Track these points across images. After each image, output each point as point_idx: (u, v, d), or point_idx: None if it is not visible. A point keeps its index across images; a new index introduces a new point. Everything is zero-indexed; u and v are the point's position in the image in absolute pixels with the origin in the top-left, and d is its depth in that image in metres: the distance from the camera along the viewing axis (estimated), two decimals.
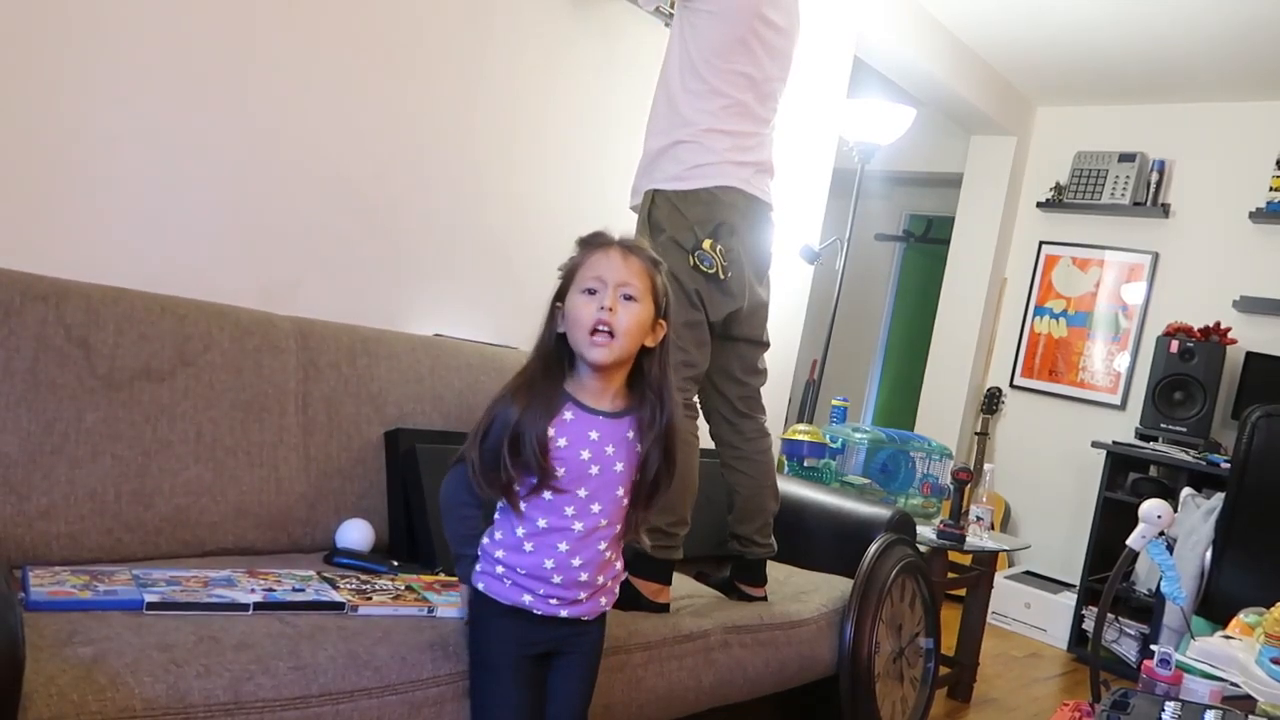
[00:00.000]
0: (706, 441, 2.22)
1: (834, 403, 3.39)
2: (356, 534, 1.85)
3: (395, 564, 1.78)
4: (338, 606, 1.48)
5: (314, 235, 2.17)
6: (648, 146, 2.13)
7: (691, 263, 2.00)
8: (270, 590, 1.49)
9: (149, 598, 1.35)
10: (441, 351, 2.20)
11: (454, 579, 1.75)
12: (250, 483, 1.79)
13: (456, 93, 2.39)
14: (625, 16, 2.70)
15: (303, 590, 1.52)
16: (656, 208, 2.05)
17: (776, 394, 3.34)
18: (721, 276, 2.03)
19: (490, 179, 2.50)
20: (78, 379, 1.59)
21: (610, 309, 1.34)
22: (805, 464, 2.94)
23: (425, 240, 2.39)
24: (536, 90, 2.57)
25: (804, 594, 2.28)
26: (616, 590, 1.49)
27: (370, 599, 1.53)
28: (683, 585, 2.12)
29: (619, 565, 1.48)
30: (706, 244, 2.01)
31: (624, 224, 2.28)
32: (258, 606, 1.42)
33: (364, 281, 2.28)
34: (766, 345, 2.25)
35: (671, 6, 2.55)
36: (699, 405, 2.18)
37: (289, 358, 1.92)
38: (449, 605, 1.57)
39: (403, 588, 1.63)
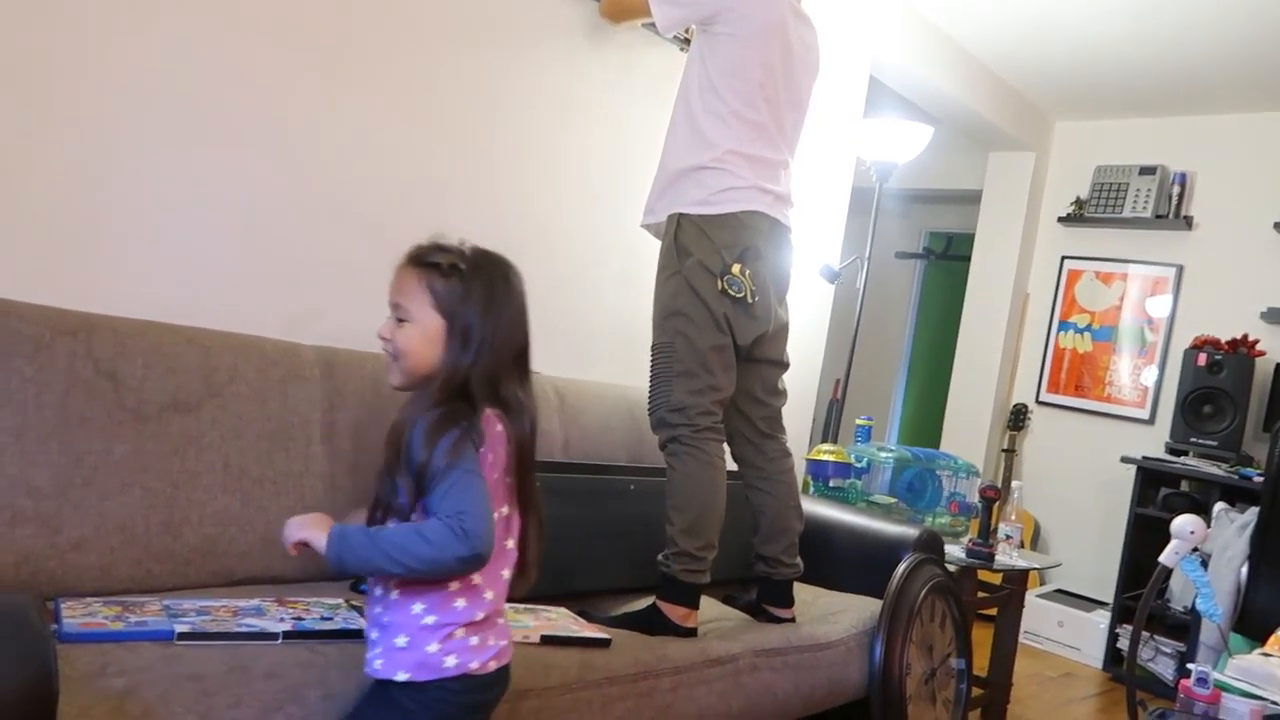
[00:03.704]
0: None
1: (858, 422, 3.37)
2: None
3: None
4: (361, 634, 1.48)
5: (336, 265, 2.19)
6: (667, 165, 2.13)
7: (720, 287, 2.01)
8: (299, 619, 1.49)
9: (179, 628, 1.36)
10: None
11: None
12: (277, 512, 1.79)
13: (473, 121, 2.42)
14: (640, 41, 2.72)
15: (331, 618, 1.52)
16: (683, 231, 2.05)
17: (800, 414, 3.32)
18: (750, 300, 2.04)
19: (508, 204, 2.51)
20: (107, 412, 1.61)
21: (387, 337, 1.33)
22: (831, 484, 2.92)
23: None
24: (553, 115, 2.59)
25: (832, 615, 2.26)
26: (396, 649, 1.23)
27: None
28: (710, 608, 2.11)
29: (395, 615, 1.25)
30: (735, 268, 2.01)
31: (638, 245, 2.30)
32: (287, 635, 1.42)
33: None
34: (786, 366, 2.25)
35: (688, 33, 2.57)
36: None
37: (314, 387, 1.93)
38: None
39: None
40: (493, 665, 1.28)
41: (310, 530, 1.23)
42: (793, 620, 2.16)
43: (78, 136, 1.79)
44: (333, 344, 2.05)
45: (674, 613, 1.94)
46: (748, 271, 2.03)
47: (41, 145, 1.75)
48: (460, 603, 1.24)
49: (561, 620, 1.77)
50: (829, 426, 3.70)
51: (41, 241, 1.77)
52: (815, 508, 2.62)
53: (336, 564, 1.20)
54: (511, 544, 1.32)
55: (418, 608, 1.22)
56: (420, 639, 1.22)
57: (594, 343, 2.74)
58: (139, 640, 1.32)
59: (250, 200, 2.04)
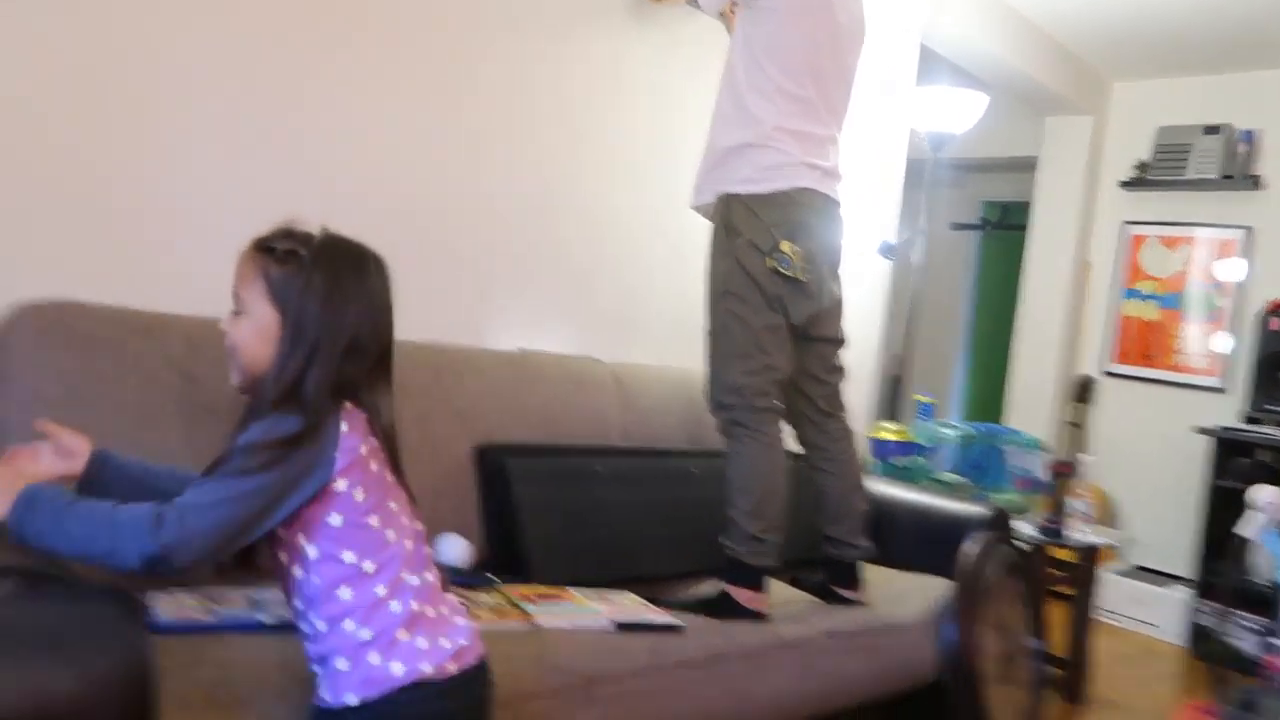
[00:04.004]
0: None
1: (919, 399, 3.33)
2: (454, 550, 1.87)
3: (492, 578, 1.80)
4: None
5: (394, 261, 2.19)
6: (714, 143, 2.11)
7: (771, 265, 1.99)
8: None
9: (264, 619, 1.39)
10: (526, 366, 2.22)
11: (554, 591, 1.77)
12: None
13: (518, 109, 2.42)
14: (683, 19, 2.70)
15: None
16: (732, 211, 2.04)
17: (859, 392, 3.29)
18: (801, 279, 2.01)
19: (557, 190, 2.52)
20: (184, 410, 1.64)
21: (225, 330, 1.19)
22: (894, 463, 2.89)
23: (502, 257, 2.41)
24: (598, 98, 2.58)
25: (902, 596, 2.23)
26: (339, 674, 1.13)
27: (474, 615, 1.55)
28: (779, 591, 2.10)
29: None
30: (785, 246, 1.99)
31: (689, 225, 2.29)
32: None
33: (447, 302, 2.31)
34: (843, 342, 2.22)
35: (732, 9, 2.54)
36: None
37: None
38: (550, 617, 1.58)
39: (504, 602, 1.65)
40: (451, 668, 1.15)
41: None
42: (862, 602, 2.14)
43: (156, 143, 1.83)
44: (396, 337, 2.06)
45: (742, 596, 1.93)
46: (798, 249, 2.01)
47: (121, 151, 1.79)
48: (394, 605, 1.13)
49: (632, 606, 1.78)
50: (889, 404, 3.66)
51: (115, 244, 1.81)
52: (879, 487, 2.59)
53: (15, 530, 1.04)
54: (422, 530, 1.22)
55: (349, 625, 1.11)
56: (360, 655, 1.11)
57: (648, 326, 2.74)
58: (226, 631, 1.36)
59: (312, 201, 2.06)
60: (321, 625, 1.12)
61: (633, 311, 2.70)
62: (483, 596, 1.67)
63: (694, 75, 2.73)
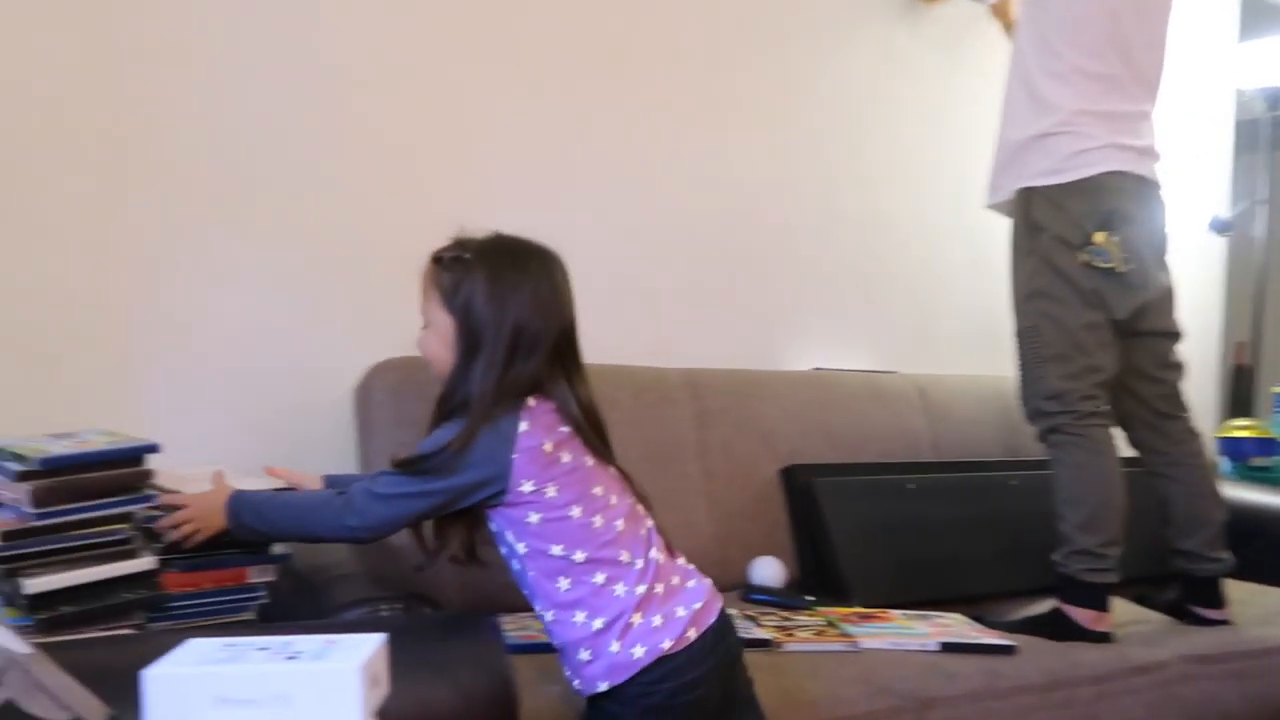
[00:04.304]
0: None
1: (1276, 390, 2.92)
2: (768, 571, 1.90)
3: (810, 599, 1.79)
4: (764, 644, 1.52)
5: (690, 290, 2.29)
6: (1006, 138, 2.00)
7: (1083, 260, 1.84)
8: None
9: None
10: (824, 384, 2.21)
11: (873, 611, 1.74)
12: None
13: (795, 126, 2.43)
14: (959, 13, 2.59)
15: None
16: (1033, 206, 1.91)
17: (1201, 388, 2.94)
18: (1120, 270, 1.85)
19: (841, 203, 2.49)
20: None
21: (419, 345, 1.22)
22: (1251, 464, 2.55)
23: (792, 278, 2.42)
24: (875, 104, 2.53)
25: (1275, 615, 1.96)
26: (584, 665, 1.15)
27: (793, 635, 1.56)
28: (1123, 611, 1.92)
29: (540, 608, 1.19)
30: (1098, 237, 1.84)
31: (986, 226, 2.17)
32: None
33: (742, 326, 2.36)
34: (1179, 336, 2.01)
35: None
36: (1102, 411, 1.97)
37: (683, 408, 2.03)
38: (872, 638, 1.56)
39: (823, 622, 1.64)
40: (691, 634, 1.14)
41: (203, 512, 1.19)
42: (1228, 621, 1.90)
43: (466, 192, 2.04)
44: (696, 365, 2.14)
45: (1081, 616, 1.79)
46: (1114, 238, 1.85)
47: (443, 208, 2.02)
48: (618, 589, 1.13)
49: (957, 626, 1.70)
50: (1238, 398, 3.24)
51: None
52: (1235, 492, 2.30)
53: (234, 530, 1.17)
54: (639, 506, 1.22)
55: (579, 617, 1.13)
56: (600, 645, 1.13)
57: (949, 335, 2.63)
58: None
59: (610, 241, 2.19)
60: (549, 616, 1.16)
61: (931, 320, 2.61)
62: (801, 617, 1.67)
63: (977, 68, 2.61)
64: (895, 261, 2.56)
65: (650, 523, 1.22)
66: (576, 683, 1.15)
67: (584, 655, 1.14)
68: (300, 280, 1.87)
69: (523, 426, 1.12)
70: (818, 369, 2.36)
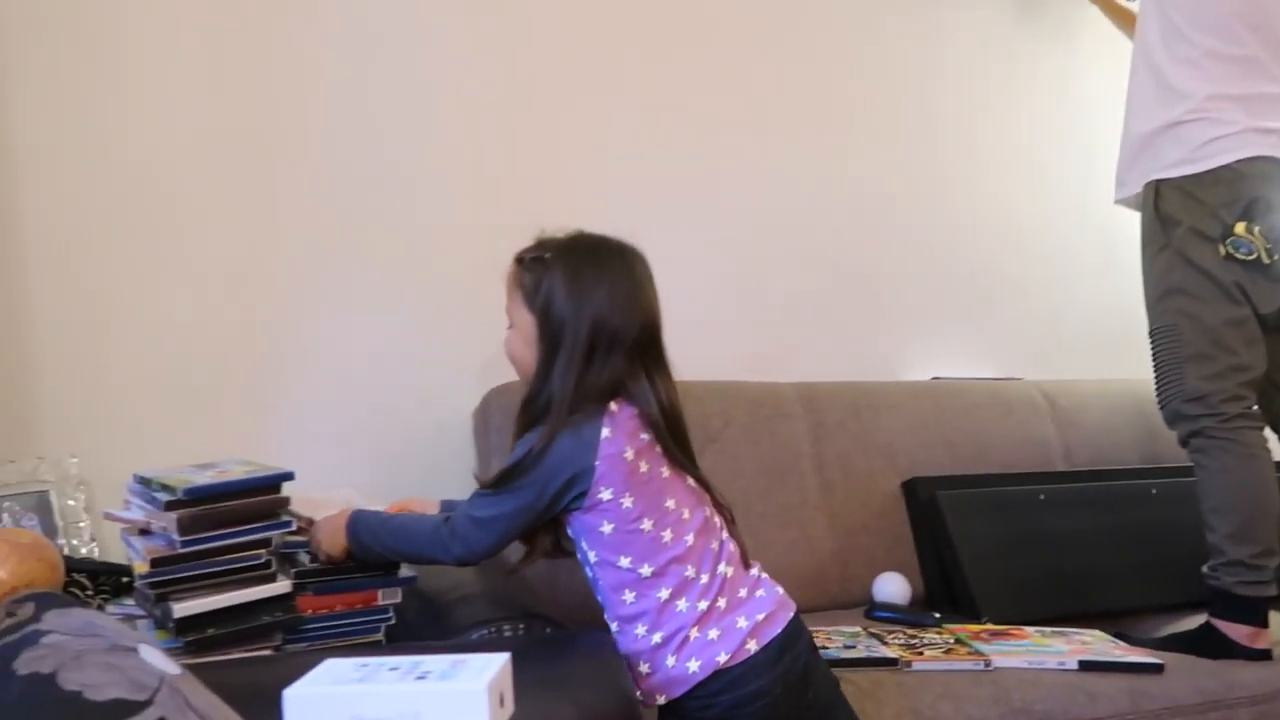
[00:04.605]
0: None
1: None
2: (892, 587, 1.85)
3: (938, 616, 1.74)
4: (892, 663, 1.48)
5: (801, 303, 2.26)
6: (1132, 130, 1.91)
7: (1223, 252, 1.74)
8: (823, 648, 1.53)
9: None
10: (944, 394, 2.15)
11: (1005, 628, 1.67)
12: (783, 544, 1.88)
13: (911, 128, 2.38)
14: (1078, 7, 2.49)
15: (854, 646, 1.54)
16: (1164, 199, 1.82)
17: None
18: (1266, 260, 1.74)
19: (959, 207, 2.43)
20: None
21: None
22: None
23: (907, 284, 2.37)
24: (994, 102, 2.46)
25: None
26: (644, 677, 1.16)
27: (922, 654, 1.51)
28: None
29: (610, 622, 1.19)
30: (1239, 228, 1.73)
31: (1112, 223, 2.07)
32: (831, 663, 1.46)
33: (856, 337, 2.31)
34: None
35: None
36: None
37: (798, 422, 2.00)
38: (1005, 656, 1.49)
39: (952, 640, 1.58)
40: (751, 646, 1.12)
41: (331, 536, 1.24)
42: None
43: (557, 213, 2.07)
44: (809, 379, 2.11)
45: (1235, 632, 1.67)
46: (1257, 228, 1.74)
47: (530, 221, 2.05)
48: (681, 604, 1.13)
49: (1098, 643, 1.62)
50: None
51: None
52: None
53: (355, 551, 1.22)
54: (716, 518, 1.20)
55: (640, 630, 1.13)
56: (657, 659, 1.13)
57: (1078, 339, 2.52)
58: None
59: (714, 250, 2.19)
60: (614, 627, 1.16)
61: (1057, 324, 2.50)
62: (928, 635, 1.62)
63: (1096, 60, 2.51)
64: (1017, 263, 2.47)
65: (725, 535, 1.20)
66: (638, 694, 1.14)
67: (643, 668, 1.14)
68: (421, 312, 1.94)
69: (605, 433, 1.11)
70: (936, 378, 2.29)
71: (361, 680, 0.75)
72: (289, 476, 1.28)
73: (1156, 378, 1.84)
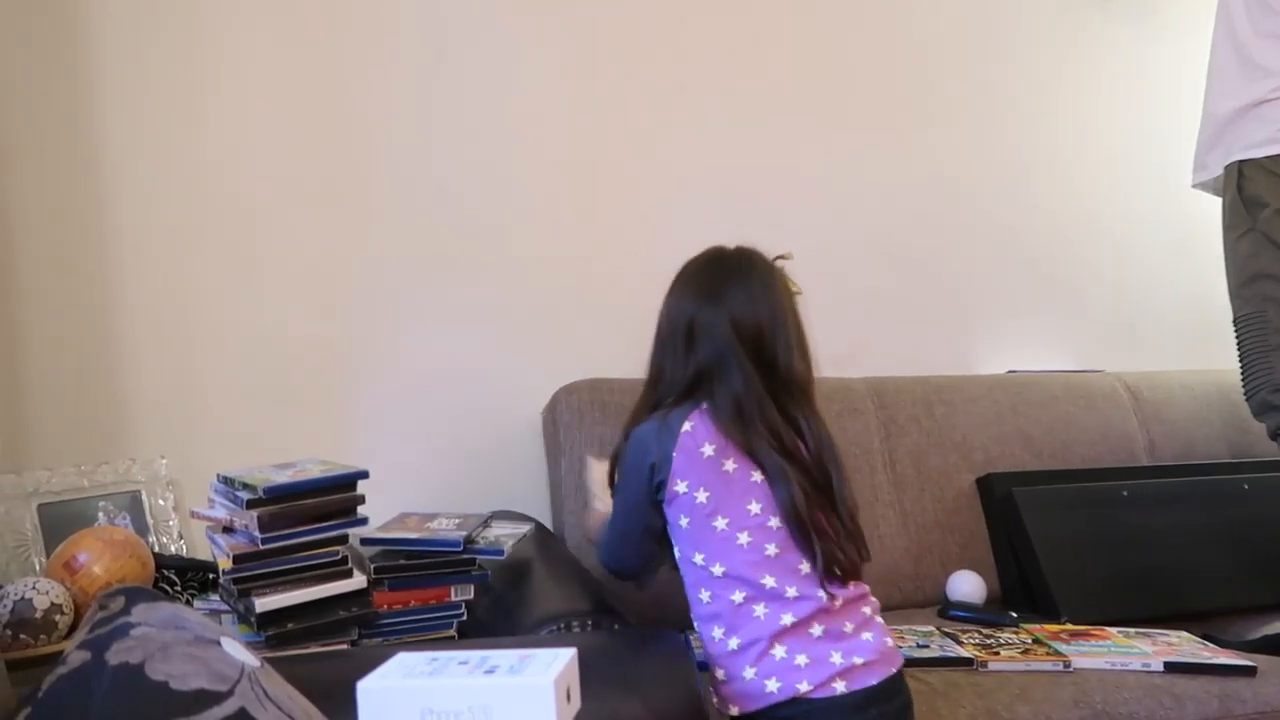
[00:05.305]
0: None
1: None
2: (967, 586, 1.81)
3: (1014, 615, 1.70)
4: (967, 663, 1.45)
5: (872, 300, 2.23)
6: (1214, 110, 1.84)
7: None
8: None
9: None
10: (1020, 388, 2.10)
11: (1086, 628, 1.63)
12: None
13: (984, 114, 2.33)
14: None
15: (927, 646, 1.52)
16: (1248, 180, 1.75)
17: None
18: None
19: (1033, 194, 2.37)
20: None
21: None
22: None
23: (980, 275, 2.32)
24: (1069, 86, 2.40)
25: None
26: (720, 684, 1.13)
27: (998, 654, 1.48)
28: None
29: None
30: None
31: (1192, 208, 1.99)
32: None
33: (927, 333, 2.27)
34: None
35: None
36: None
37: (869, 418, 1.97)
38: (1086, 657, 1.45)
39: (1029, 640, 1.55)
40: (839, 686, 1.06)
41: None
42: None
43: (645, 238, 2.08)
44: (879, 374, 2.08)
45: None
46: None
47: (624, 249, 2.07)
48: (758, 609, 1.09)
49: (1185, 645, 1.56)
50: None
51: (630, 327, 2.07)
52: None
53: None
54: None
55: (717, 632, 1.11)
56: (734, 667, 1.09)
57: (1159, 329, 2.44)
58: None
59: (788, 249, 2.17)
60: (696, 626, 1.15)
61: (1137, 314, 2.43)
62: (1005, 635, 1.59)
63: (1174, 38, 2.42)
64: (1094, 252, 2.40)
65: (840, 556, 1.13)
66: (715, 700, 1.13)
67: (720, 674, 1.12)
68: (492, 317, 1.98)
69: (687, 426, 1.13)
70: (1012, 371, 2.24)
71: (432, 674, 0.77)
72: (364, 475, 1.31)
73: (1242, 367, 1.78)
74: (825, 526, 1.13)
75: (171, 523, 1.71)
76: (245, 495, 1.23)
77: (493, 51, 2.00)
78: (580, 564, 1.60)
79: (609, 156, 2.06)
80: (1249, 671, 1.47)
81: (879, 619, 1.17)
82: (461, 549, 1.35)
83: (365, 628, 1.28)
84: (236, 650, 0.74)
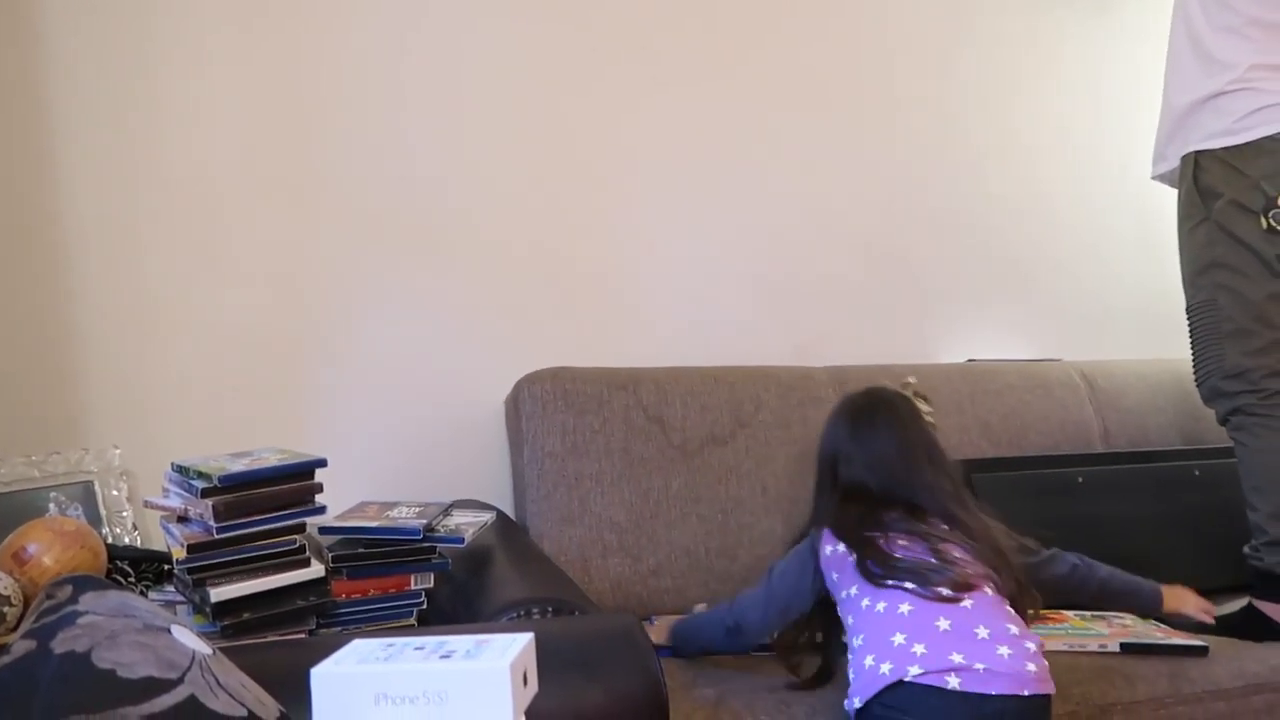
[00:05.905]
0: None
1: None
2: None
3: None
4: None
5: (834, 289, 2.25)
6: (1173, 102, 1.87)
7: (1266, 225, 1.70)
8: None
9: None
10: (978, 376, 2.12)
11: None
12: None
13: (942, 104, 2.35)
14: None
15: None
16: (1204, 171, 1.78)
17: None
18: None
19: (992, 185, 2.40)
20: (660, 451, 1.81)
21: None
22: None
23: (940, 266, 2.34)
24: (1029, 77, 2.42)
25: None
26: (849, 682, 1.20)
27: None
28: None
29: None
30: None
31: (1152, 200, 2.03)
32: None
33: (888, 321, 2.29)
34: None
35: None
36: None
37: (829, 406, 1.97)
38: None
39: None
40: (951, 682, 1.07)
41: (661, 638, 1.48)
42: None
43: (610, 227, 2.08)
44: (841, 363, 2.10)
45: (1278, 613, 1.64)
46: None
47: (588, 237, 2.06)
48: (879, 606, 1.19)
49: (1139, 626, 1.59)
50: None
51: (594, 314, 2.06)
52: None
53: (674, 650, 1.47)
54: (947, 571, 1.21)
55: (857, 641, 1.21)
56: (859, 659, 1.18)
57: (1116, 318, 2.47)
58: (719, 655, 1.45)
59: (751, 247, 2.18)
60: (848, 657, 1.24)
61: (1095, 304, 2.46)
62: None
63: (1135, 32, 2.45)
64: (1053, 243, 2.43)
65: (982, 584, 1.21)
66: (847, 704, 1.17)
67: (851, 674, 1.19)
68: (452, 306, 1.96)
69: (826, 550, 1.32)
70: (971, 360, 2.27)
71: (387, 659, 0.76)
72: (322, 463, 1.30)
73: (1194, 354, 1.81)
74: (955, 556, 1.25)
75: (125, 514, 1.68)
76: (200, 484, 1.21)
77: (456, 39, 1.98)
78: (542, 552, 1.60)
79: (574, 146, 2.05)
80: (1201, 652, 1.50)
81: (1030, 645, 1.14)
82: (421, 537, 1.34)
83: (323, 617, 1.27)
84: (187, 638, 0.73)
